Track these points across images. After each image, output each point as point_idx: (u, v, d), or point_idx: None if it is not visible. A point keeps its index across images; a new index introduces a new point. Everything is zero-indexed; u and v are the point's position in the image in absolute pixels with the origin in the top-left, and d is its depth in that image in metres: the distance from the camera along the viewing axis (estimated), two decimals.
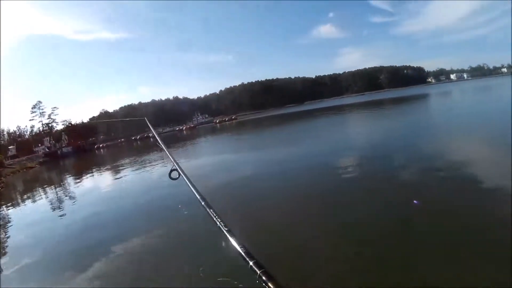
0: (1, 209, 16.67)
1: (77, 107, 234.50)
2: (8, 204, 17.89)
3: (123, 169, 24.68)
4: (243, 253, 1.21)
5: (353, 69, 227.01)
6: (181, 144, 40.00)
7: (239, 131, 47.78)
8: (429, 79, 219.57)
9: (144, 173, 19.79)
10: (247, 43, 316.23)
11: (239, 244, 1.29)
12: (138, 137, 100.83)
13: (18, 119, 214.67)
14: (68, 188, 21.36)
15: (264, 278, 1.06)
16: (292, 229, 7.02)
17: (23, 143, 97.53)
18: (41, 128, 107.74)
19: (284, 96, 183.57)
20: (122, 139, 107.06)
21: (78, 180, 24.11)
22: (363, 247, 5.65)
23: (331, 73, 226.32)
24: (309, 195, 9.29)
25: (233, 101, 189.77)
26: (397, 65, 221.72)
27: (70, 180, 26.40)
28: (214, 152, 26.28)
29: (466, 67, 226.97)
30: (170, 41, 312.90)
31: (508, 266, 4.24)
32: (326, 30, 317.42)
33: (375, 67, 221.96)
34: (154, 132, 3.81)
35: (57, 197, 17.87)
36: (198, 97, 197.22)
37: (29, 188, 25.84)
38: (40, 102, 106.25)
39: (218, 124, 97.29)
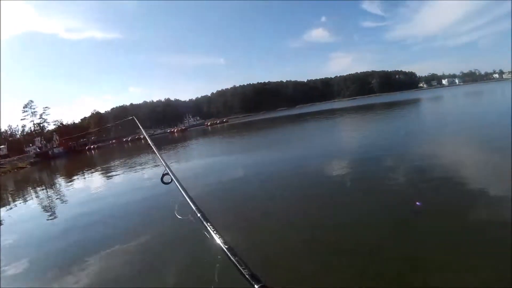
0: None
1: (68, 107, 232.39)
2: None
3: (113, 170, 24.75)
4: (245, 273, 1.13)
5: (344, 74, 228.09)
6: (172, 146, 39.97)
7: (230, 133, 47.97)
8: (421, 84, 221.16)
9: (134, 175, 19.95)
10: (239, 46, 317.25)
11: (236, 258, 1.21)
12: (129, 139, 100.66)
13: (9, 118, 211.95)
14: (58, 189, 21.37)
15: None
16: (288, 230, 7.11)
17: (14, 143, 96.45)
18: (32, 128, 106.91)
19: (276, 100, 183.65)
20: (114, 141, 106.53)
21: (69, 181, 24.08)
22: (362, 248, 5.73)
23: (323, 77, 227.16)
24: (304, 197, 9.37)
25: (224, 104, 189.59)
26: (389, 70, 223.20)
27: (60, 181, 26.35)
28: (205, 155, 26.39)
29: (457, 73, 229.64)
30: (162, 43, 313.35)
31: (508, 266, 4.31)
32: (317, 34, 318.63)
33: (366, 72, 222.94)
34: (144, 134, 3.73)
35: (48, 198, 17.89)
36: (189, 99, 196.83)
37: (20, 189, 25.82)
38: (31, 101, 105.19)
39: (209, 127, 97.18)
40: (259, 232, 7.04)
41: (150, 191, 13.53)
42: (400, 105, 51.52)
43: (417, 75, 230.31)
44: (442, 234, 5.71)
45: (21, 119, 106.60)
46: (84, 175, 26.38)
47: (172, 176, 2.26)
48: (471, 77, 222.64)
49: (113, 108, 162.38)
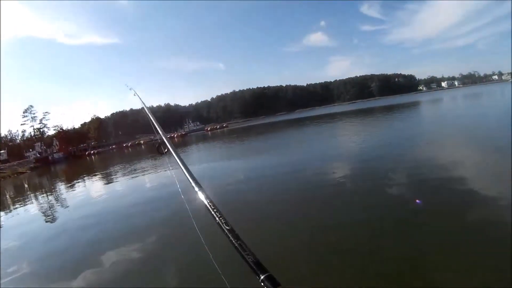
0: None
1: (67, 112, 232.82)
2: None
3: (114, 176, 24.75)
4: (251, 263, 1.10)
5: (343, 77, 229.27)
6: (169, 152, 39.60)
7: (231, 138, 47.92)
8: (420, 87, 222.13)
9: (136, 179, 19.88)
10: (238, 51, 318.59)
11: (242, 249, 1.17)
12: (129, 144, 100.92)
13: (9, 123, 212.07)
14: (59, 195, 21.26)
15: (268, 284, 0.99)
16: (288, 230, 7.12)
17: (14, 148, 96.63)
18: (32, 133, 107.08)
19: (275, 104, 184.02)
20: (114, 146, 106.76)
21: (69, 187, 23.99)
22: (362, 248, 5.75)
23: (322, 81, 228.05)
24: (304, 199, 9.32)
25: (224, 108, 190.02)
26: (388, 73, 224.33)
27: (61, 186, 26.15)
28: (205, 160, 25.86)
29: (457, 75, 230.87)
30: (161, 48, 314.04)
31: (508, 266, 4.31)
32: (317, 38, 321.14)
33: (366, 75, 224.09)
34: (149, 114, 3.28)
35: (48, 203, 17.77)
36: (189, 104, 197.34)
37: (20, 194, 25.67)
38: (31, 106, 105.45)
39: (209, 132, 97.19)
40: (260, 233, 6.99)
41: (151, 193, 13.84)
42: (399, 108, 51.46)
43: (417, 78, 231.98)
44: (442, 234, 5.71)
45: (21, 124, 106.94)
46: (84, 180, 26.34)
47: (168, 145, 2.29)
48: (470, 79, 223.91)
49: (113, 113, 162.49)
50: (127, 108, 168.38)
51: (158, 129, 2.65)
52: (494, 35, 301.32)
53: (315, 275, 5.13)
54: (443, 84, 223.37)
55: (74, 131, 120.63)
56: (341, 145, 19.98)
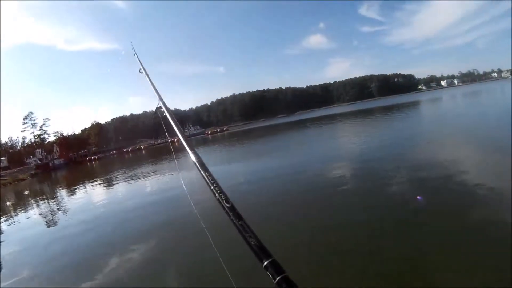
0: None
1: (67, 118, 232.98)
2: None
3: (115, 182, 24.72)
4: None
5: (343, 79, 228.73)
6: (172, 156, 39.34)
7: (231, 142, 47.93)
8: (420, 86, 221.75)
9: (137, 185, 20.01)
10: (238, 55, 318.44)
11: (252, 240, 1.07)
12: (129, 149, 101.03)
13: (9, 129, 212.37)
14: (60, 202, 21.23)
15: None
16: (290, 231, 7.19)
17: (14, 155, 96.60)
18: (33, 140, 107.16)
19: (275, 107, 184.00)
20: (114, 151, 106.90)
21: (71, 194, 23.87)
22: (362, 248, 5.78)
23: (322, 83, 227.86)
24: (304, 200, 9.38)
25: (224, 112, 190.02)
26: (388, 74, 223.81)
27: (62, 193, 26.25)
28: (209, 163, 26.01)
29: (456, 73, 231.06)
30: (161, 53, 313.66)
31: (508, 266, 4.29)
32: (316, 40, 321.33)
33: (365, 76, 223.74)
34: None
35: (49, 210, 17.79)
36: (189, 109, 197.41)
37: (21, 201, 25.65)
38: (31, 113, 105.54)
39: (210, 136, 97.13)
40: (261, 233, 6.91)
41: (152, 198, 13.90)
42: (399, 108, 51.38)
43: (416, 77, 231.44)
44: (442, 234, 5.72)
45: (21, 131, 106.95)
46: (85, 186, 26.24)
47: (165, 110, 2.22)
48: (469, 77, 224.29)
49: (113, 118, 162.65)
50: (127, 113, 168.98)
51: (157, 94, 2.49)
52: (493, 33, 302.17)
53: (316, 275, 5.14)
54: (443, 83, 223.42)
55: (74, 137, 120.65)
56: (341, 147, 19.96)
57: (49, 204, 20.09)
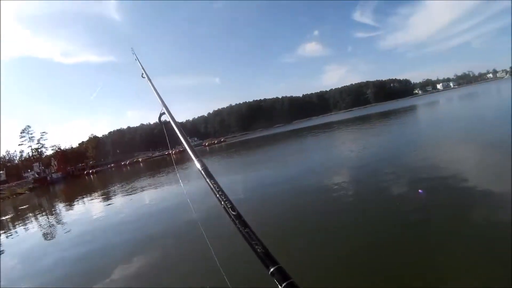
0: None
1: (65, 131, 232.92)
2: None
3: (114, 196, 24.57)
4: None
5: (339, 86, 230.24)
6: (170, 168, 39.42)
7: (229, 153, 47.84)
8: (416, 91, 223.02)
9: (136, 200, 19.80)
10: (233, 65, 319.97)
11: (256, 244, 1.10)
12: (127, 162, 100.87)
13: (7, 143, 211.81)
14: (59, 217, 20.86)
15: None
16: (290, 232, 7.42)
17: (12, 168, 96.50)
18: (30, 153, 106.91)
19: (272, 116, 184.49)
20: (112, 164, 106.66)
21: (69, 208, 23.84)
22: (362, 248, 5.86)
23: (318, 91, 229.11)
24: (308, 206, 9.45)
25: (221, 123, 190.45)
26: (383, 79, 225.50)
27: (61, 207, 26.01)
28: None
29: (451, 76, 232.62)
30: (157, 65, 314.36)
31: (508, 266, 4.29)
32: (311, 48, 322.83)
33: (361, 83, 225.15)
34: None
35: (49, 225, 17.55)
36: (186, 120, 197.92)
37: (19, 216, 25.23)
38: (29, 126, 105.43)
39: (207, 147, 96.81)
40: (266, 239, 6.98)
41: (153, 209, 14.01)
42: (396, 113, 51.21)
43: (412, 82, 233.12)
44: (442, 234, 5.79)
45: (19, 144, 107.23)
46: (84, 200, 26.12)
47: (168, 116, 2.19)
48: (465, 79, 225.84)
49: (111, 131, 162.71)
50: (124, 126, 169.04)
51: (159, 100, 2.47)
52: (488, 33, 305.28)
53: (315, 276, 5.21)
54: (439, 86, 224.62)
55: (72, 151, 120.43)
56: (340, 154, 19.92)
57: (48, 218, 20.07)
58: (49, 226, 16.83)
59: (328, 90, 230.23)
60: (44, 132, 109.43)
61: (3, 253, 12.34)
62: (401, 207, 7.65)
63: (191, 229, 8.72)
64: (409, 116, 41.80)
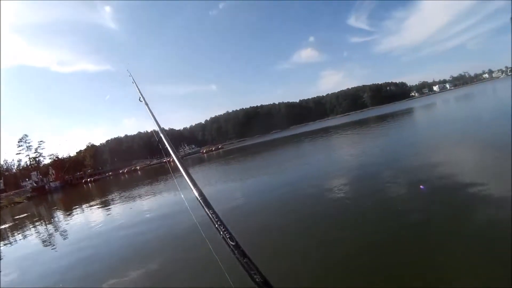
0: None
1: (63, 139, 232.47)
2: None
3: (112, 204, 24.32)
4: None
5: (335, 91, 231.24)
6: (168, 176, 39.26)
7: (227, 160, 47.74)
8: (413, 93, 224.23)
9: (136, 207, 19.76)
10: (230, 72, 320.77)
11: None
12: (125, 170, 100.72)
13: (4, 152, 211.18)
14: (58, 225, 20.56)
15: None
16: (289, 233, 7.50)
17: (10, 177, 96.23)
18: (28, 162, 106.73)
19: (269, 122, 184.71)
20: (110, 173, 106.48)
21: (68, 217, 23.46)
22: (362, 248, 5.91)
23: (315, 96, 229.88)
24: (306, 213, 9.37)
25: (218, 130, 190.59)
26: (380, 83, 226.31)
27: (59, 216, 25.61)
28: (204, 184, 26.02)
29: (447, 77, 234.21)
30: (154, 74, 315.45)
31: (508, 266, 4.32)
32: (307, 54, 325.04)
33: (357, 87, 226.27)
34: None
35: (47, 234, 17.40)
36: (184, 128, 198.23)
37: (18, 225, 25.20)
38: (26, 135, 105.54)
39: (205, 154, 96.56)
40: (261, 251, 6.90)
41: (151, 215, 14.07)
42: (393, 116, 51.29)
43: (408, 84, 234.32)
44: (442, 234, 5.82)
45: (17, 154, 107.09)
46: (82, 209, 26.00)
47: (165, 142, 2.29)
48: (461, 81, 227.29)
49: (108, 140, 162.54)
50: (122, 134, 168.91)
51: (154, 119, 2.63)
52: (482, 34, 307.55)
53: (315, 277, 5.29)
54: (435, 88, 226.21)
55: (69, 159, 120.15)
56: (338, 159, 19.92)
57: (46, 227, 20.00)
58: (48, 234, 16.77)
59: (324, 95, 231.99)
60: (41, 141, 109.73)
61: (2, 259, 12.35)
62: (401, 207, 7.69)
63: (192, 233, 8.80)
64: (407, 119, 41.77)
